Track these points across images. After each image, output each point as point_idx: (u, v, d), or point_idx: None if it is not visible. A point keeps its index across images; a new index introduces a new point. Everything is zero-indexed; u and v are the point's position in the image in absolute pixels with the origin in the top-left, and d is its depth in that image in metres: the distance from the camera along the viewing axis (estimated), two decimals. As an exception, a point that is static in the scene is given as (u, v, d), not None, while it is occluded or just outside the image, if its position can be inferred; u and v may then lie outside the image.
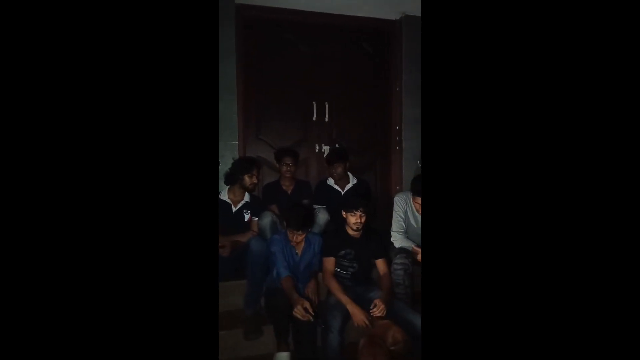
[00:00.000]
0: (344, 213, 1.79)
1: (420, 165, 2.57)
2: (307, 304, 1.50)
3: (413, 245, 1.84)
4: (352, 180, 2.28)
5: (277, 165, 2.27)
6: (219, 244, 1.83)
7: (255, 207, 2.06)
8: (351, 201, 1.77)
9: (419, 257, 1.78)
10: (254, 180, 1.99)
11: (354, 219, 1.74)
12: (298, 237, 1.70)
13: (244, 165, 2.01)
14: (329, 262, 1.76)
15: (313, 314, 1.50)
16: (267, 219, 1.97)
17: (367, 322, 1.52)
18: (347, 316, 1.57)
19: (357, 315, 1.54)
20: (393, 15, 2.59)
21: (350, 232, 1.79)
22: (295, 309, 1.50)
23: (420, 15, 2.54)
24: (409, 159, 2.60)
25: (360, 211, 1.73)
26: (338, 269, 1.78)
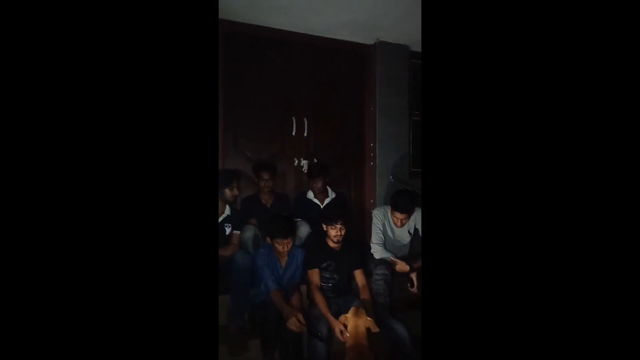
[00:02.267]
0: (325, 226, 1.86)
1: (392, 180, 2.73)
2: (300, 316, 1.53)
3: (392, 257, 1.96)
4: (331, 195, 2.37)
5: (256, 179, 2.28)
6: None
7: (236, 220, 2.06)
8: (331, 215, 1.84)
9: (398, 267, 1.90)
10: (235, 192, 1.99)
11: (334, 232, 1.81)
12: (286, 246, 1.73)
13: (224, 178, 2.00)
14: (314, 275, 1.80)
15: (306, 325, 1.53)
16: (249, 233, 1.98)
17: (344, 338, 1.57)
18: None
19: (337, 331, 1.58)
20: (368, 40, 2.77)
21: (331, 244, 1.86)
22: (289, 321, 1.52)
23: (392, 42, 2.76)
24: (382, 174, 2.76)
25: (340, 224, 1.81)
26: (321, 282, 1.83)
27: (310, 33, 2.61)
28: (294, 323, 1.52)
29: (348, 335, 1.54)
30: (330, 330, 1.61)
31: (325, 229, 1.86)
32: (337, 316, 1.68)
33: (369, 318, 1.53)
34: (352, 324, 1.51)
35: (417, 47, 2.83)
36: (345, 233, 1.83)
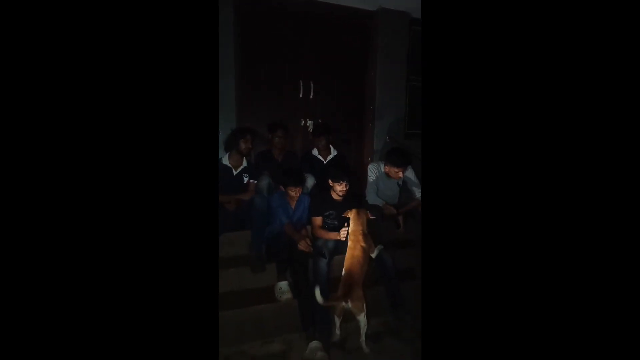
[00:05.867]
0: (331, 182, 2.21)
1: (388, 139, 3.05)
2: (308, 240, 1.98)
3: (384, 202, 2.35)
4: (333, 152, 2.71)
5: (270, 137, 2.61)
6: (226, 201, 2.20)
7: (253, 171, 2.43)
8: (339, 173, 2.17)
9: (387, 210, 2.30)
10: (249, 145, 2.35)
11: (340, 187, 2.16)
12: (297, 192, 2.13)
13: (239, 131, 2.36)
14: (317, 220, 2.20)
15: (312, 247, 1.98)
16: (265, 182, 2.36)
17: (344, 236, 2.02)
18: (332, 252, 2.05)
19: (336, 235, 2.04)
20: (370, 7, 2.94)
21: (335, 196, 2.23)
22: (299, 243, 1.96)
23: (393, 8, 2.93)
24: (379, 135, 3.07)
25: (346, 181, 2.16)
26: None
27: (316, 0, 2.78)
28: (303, 244, 1.96)
29: (346, 232, 1.97)
30: (330, 254, 2.03)
31: (331, 184, 2.21)
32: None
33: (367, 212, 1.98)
34: (353, 219, 1.96)
35: (417, 14, 3.00)
36: (348, 188, 2.19)
